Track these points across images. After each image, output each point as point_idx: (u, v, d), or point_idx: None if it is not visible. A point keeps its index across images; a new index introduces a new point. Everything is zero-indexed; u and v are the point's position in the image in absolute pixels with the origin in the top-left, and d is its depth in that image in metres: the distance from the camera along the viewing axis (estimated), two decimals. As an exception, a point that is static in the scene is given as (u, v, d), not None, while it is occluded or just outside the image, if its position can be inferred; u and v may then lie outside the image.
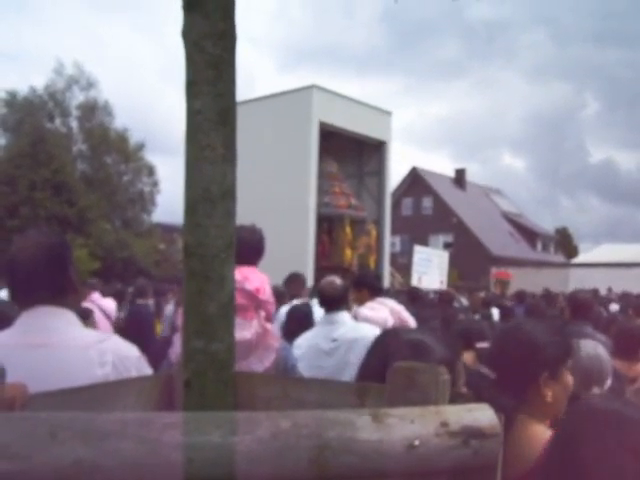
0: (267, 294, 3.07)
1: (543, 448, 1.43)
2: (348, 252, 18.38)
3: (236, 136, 0.86)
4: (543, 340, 1.68)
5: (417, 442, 0.75)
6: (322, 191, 18.29)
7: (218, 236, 0.82)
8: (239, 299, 2.91)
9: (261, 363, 2.71)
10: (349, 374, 3.36)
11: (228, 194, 0.83)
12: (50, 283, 1.68)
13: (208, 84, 0.84)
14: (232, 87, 0.87)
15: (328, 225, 18.73)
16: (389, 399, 0.86)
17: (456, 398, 0.88)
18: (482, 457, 0.79)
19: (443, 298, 9.72)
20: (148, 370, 1.74)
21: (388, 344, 1.51)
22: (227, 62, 0.86)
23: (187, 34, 0.86)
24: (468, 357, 3.85)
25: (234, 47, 0.88)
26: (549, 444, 1.35)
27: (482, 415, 0.81)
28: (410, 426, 0.76)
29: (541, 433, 1.58)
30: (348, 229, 18.56)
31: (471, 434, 0.78)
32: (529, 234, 42.08)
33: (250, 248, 3.20)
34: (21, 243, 1.72)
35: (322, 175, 18.48)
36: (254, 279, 2.96)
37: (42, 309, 1.66)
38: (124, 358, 1.66)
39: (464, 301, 10.59)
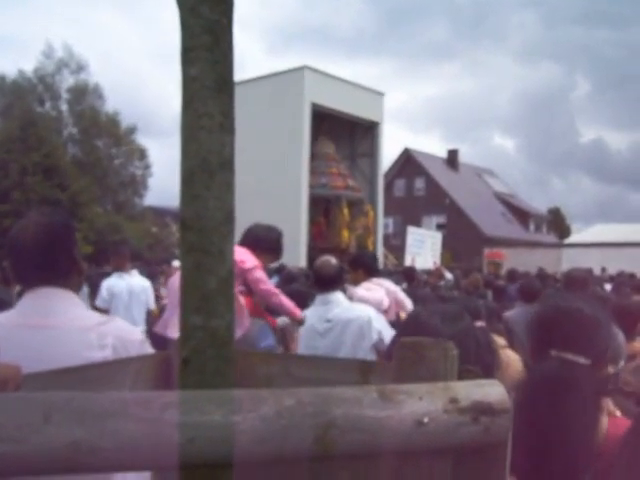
0: (250, 262, 3.09)
1: (623, 438, 1.35)
2: (345, 233, 18.30)
3: (234, 105, 0.82)
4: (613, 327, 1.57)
5: (426, 419, 0.73)
6: (319, 172, 18.17)
7: (217, 208, 0.78)
8: None
9: None
10: (343, 354, 3.35)
11: (227, 164, 0.79)
12: (53, 264, 1.64)
13: (205, 50, 0.80)
14: (230, 53, 0.83)
15: (325, 206, 18.65)
16: (396, 375, 0.84)
17: (465, 374, 0.86)
18: (492, 434, 0.77)
19: (434, 274, 10.51)
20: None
21: (420, 323, 1.47)
22: (224, 28, 0.83)
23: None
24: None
25: (231, 12, 0.84)
26: (631, 435, 1.29)
27: (492, 390, 0.78)
28: (418, 403, 0.74)
29: (619, 422, 1.49)
30: (345, 210, 18.47)
31: (481, 410, 0.76)
32: (521, 214, 42.14)
33: (268, 245, 3.21)
34: (23, 224, 1.67)
35: (319, 156, 18.37)
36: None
37: (45, 290, 1.61)
38: (126, 341, 1.62)
39: (449, 275, 11.01)
